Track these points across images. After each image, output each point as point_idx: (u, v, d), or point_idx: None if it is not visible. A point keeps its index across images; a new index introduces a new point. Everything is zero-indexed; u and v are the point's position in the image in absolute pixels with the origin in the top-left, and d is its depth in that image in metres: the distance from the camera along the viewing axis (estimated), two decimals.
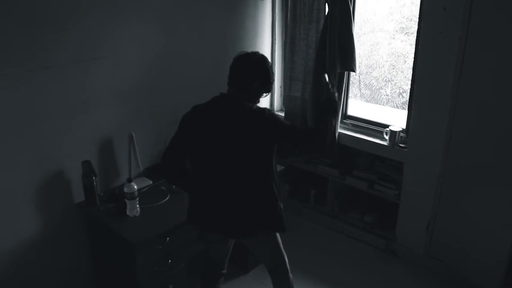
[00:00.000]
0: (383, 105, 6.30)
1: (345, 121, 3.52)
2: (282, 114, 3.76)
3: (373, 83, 6.49)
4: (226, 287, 2.95)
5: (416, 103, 3.00)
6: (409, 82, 3.15)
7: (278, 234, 2.37)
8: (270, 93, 2.35)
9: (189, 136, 2.15)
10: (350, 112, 3.56)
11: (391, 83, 6.43)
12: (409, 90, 3.15)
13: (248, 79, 2.11)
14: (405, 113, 3.23)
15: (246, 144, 2.08)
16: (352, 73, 3.39)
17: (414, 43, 3.01)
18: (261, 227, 2.22)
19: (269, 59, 3.65)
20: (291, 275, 2.47)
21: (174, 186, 2.79)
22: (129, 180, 2.50)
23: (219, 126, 2.09)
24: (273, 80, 2.20)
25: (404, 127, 3.19)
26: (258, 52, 2.18)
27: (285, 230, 2.25)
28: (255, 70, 2.11)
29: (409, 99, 3.12)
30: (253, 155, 2.10)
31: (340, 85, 3.29)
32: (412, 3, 5.77)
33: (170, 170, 2.24)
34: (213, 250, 2.45)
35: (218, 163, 2.13)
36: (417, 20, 2.98)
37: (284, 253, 2.43)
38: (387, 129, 3.22)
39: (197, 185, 2.21)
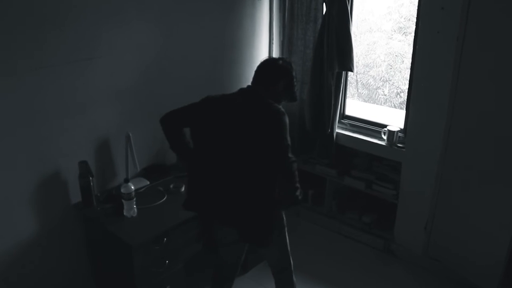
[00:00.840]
0: (381, 105, 6.31)
1: (343, 121, 3.52)
2: None
3: (370, 83, 6.49)
4: None
5: (414, 103, 3.00)
6: (407, 82, 3.15)
7: (287, 236, 2.38)
8: (293, 102, 2.38)
9: (203, 115, 2.16)
10: (348, 112, 3.55)
11: (389, 83, 6.44)
12: (407, 90, 3.14)
13: (271, 81, 2.16)
14: (403, 113, 3.23)
15: (251, 137, 2.08)
16: (349, 73, 3.39)
17: (412, 43, 3.01)
18: (255, 229, 2.20)
19: None
20: (294, 279, 2.47)
21: (171, 186, 2.80)
22: (126, 181, 2.49)
23: (237, 113, 2.11)
24: (297, 89, 2.26)
25: (402, 127, 3.19)
26: (286, 58, 2.28)
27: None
28: (280, 74, 2.17)
29: (407, 99, 3.11)
30: (256, 151, 2.09)
31: (338, 85, 3.29)
32: (410, 2, 5.77)
33: (168, 126, 2.28)
34: (225, 253, 2.44)
35: (225, 150, 2.13)
36: (415, 19, 2.98)
37: (290, 256, 2.42)
38: (385, 129, 3.21)
39: (201, 170, 2.22)
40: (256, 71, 2.21)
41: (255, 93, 2.15)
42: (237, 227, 2.22)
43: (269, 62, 2.22)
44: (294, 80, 2.21)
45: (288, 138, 2.08)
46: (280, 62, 2.20)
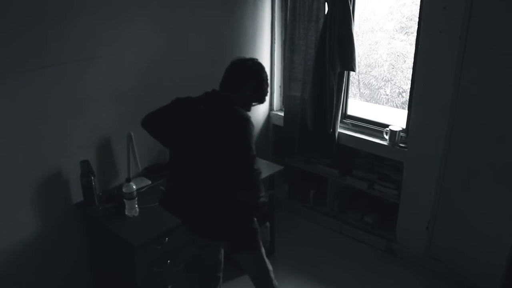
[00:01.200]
0: (383, 104, 6.30)
1: (344, 120, 3.51)
2: (282, 114, 3.75)
3: (372, 83, 6.48)
4: (223, 287, 2.93)
5: (416, 103, 2.99)
6: (409, 82, 3.14)
7: (260, 241, 2.30)
8: (261, 104, 2.25)
9: (171, 118, 2.14)
10: (350, 111, 3.55)
11: (391, 83, 6.43)
12: (409, 90, 3.14)
13: (239, 83, 2.09)
14: (405, 112, 3.22)
15: (215, 145, 2.03)
16: (351, 73, 3.38)
17: (414, 43, 3.00)
18: (226, 236, 2.17)
19: (269, 59, 3.68)
20: (275, 282, 2.40)
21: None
22: (128, 180, 2.49)
23: (199, 120, 2.06)
24: (267, 91, 2.17)
25: (404, 127, 3.18)
26: (256, 59, 2.16)
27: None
28: (249, 75, 2.10)
29: (409, 98, 3.11)
30: (220, 159, 2.03)
31: (339, 85, 3.29)
32: (412, 2, 5.76)
33: (152, 130, 2.28)
34: (203, 253, 2.43)
35: (191, 157, 2.11)
36: (417, 19, 2.97)
37: (268, 262, 2.35)
38: (387, 128, 3.21)
39: (173, 173, 2.22)
40: (224, 73, 2.13)
41: (219, 98, 2.08)
42: (215, 237, 2.21)
43: (236, 64, 2.12)
44: (264, 82, 2.12)
45: (254, 148, 1.99)
46: (249, 63, 2.11)
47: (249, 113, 2.09)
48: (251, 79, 2.10)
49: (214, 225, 2.14)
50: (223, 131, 2.01)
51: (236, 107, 2.04)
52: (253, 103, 2.18)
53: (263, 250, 2.33)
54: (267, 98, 3.74)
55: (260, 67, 2.13)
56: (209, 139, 2.04)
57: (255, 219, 2.22)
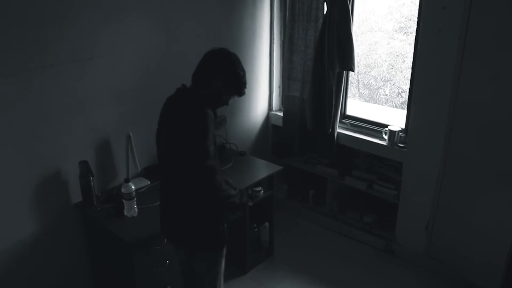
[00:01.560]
0: (382, 104, 6.30)
1: (344, 120, 3.51)
2: (281, 114, 3.75)
3: (371, 83, 6.49)
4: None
5: (415, 102, 2.99)
6: (408, 82, 3.14)
7: (223, 263, 2.22)
8: (240, 96, 2.12)
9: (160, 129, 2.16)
10: (349, 111, 3.54)
11: (390, 83, 6.43)
12: (408, 90, 3.14)
13: (207, 76, 2.00)
14: (404, 112, 3.22)
15: (175, 144, 1.99)
16: (350, 73, 3.38)
17: (413, 43, 3.00)
18: (188, 240, 2.15)
19: (268, 59, 3.67)
20: None
21: None
22: (127, 180, 2.49)
23: (167, 119, 2.05)
24: (243, 82, 2.04)
25: (403, 127, 3.18)
26: (228, 49, 2.07)
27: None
28: (217, 66, 2.00)
29: (408, 98, 3.11)
30: (177, 157, 1.98)
31: (338, 85, 3.29)
32: (411, 2, 5.77)
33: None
34: (176, 253, 2.40)
35: (162, 158, 2.13)
36: (416, 19, 2.97)
37: (221, 283, 2.27)
38: (386, 129, 3.20)
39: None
40: (197, 65, 2.05)
41: (187, 93, 2.03)
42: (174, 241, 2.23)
43: (205, 56, 2.03)
44: (236, 73, 2.00)
45: (208, 144, 1.87)
46: (218, 55, 2.01)
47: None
48: (220, 71, 1.99)
49: (173, 229, 2.17)
50: (180, 128, 1.95)
51: (202, 103, 1.96)
52: (230, 96, 2.08)
53: (221, 269, 2.23)
54: (266, 98, 3.78)
55: (229, 58, 2.01)
56: (172, 138, 2.01)
57: (225, 224, 2.14)
